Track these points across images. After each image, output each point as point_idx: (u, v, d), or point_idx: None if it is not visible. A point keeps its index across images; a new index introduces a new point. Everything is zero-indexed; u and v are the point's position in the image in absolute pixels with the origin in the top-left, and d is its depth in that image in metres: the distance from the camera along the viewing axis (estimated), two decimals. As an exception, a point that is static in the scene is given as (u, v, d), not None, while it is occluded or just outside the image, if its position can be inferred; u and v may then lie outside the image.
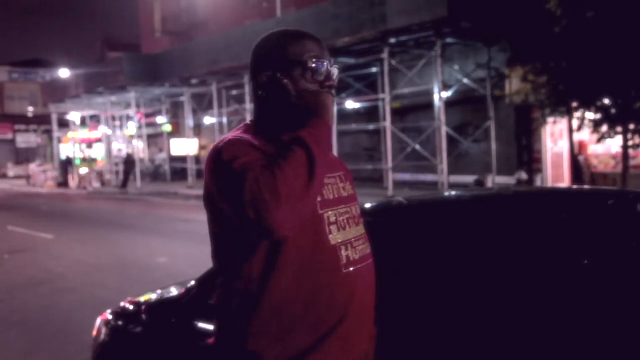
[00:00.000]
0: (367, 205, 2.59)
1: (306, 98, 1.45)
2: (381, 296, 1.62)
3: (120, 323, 2.93)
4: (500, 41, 15.02)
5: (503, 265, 1.96)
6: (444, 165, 15.82)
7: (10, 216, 16.44)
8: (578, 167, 14.69)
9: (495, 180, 15.55)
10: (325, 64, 1.48)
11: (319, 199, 1.43)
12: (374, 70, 19.31)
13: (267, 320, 1.40)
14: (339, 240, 1.46)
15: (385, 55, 16.02)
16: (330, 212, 1.47)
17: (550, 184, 15.16)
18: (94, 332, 3.13)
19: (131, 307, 2.93)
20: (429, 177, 17.94)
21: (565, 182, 15.15)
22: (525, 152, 16.34)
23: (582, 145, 14.99)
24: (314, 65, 1.46)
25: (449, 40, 16.00)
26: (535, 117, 14.00)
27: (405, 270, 2.10)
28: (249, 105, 21.14)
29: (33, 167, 33.68)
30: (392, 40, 16.00)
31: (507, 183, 15.27)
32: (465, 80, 16.82)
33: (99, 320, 3.13)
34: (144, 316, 2.78)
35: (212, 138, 26.29)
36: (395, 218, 2.44)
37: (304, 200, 1.30)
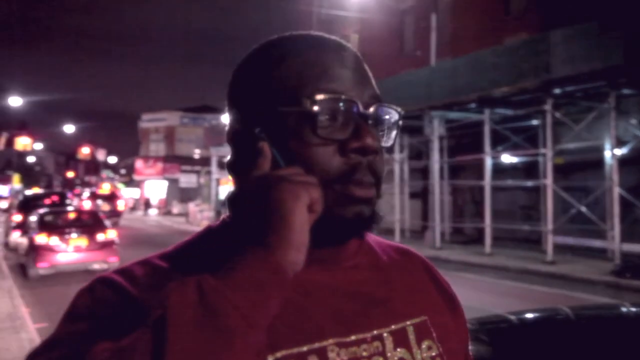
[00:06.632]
0: (528, 316, 2.33)
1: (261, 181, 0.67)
2: None
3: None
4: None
5: None
6: (616, 232, 13.88)
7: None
8: None
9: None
10: (344, 104, 0.73)
11: None
12: (535, 122, 17.85)
13: None
14: None
15: (548, 106, 14.66)
16: None
17: None
18: None
19: None
20: (596, 243, 15.93)
21: None
22: None
23: None
24: (315, 108, 0.71)
25: (625, 91, 14.25)
26: None
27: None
28: (397, 155, 20.55)
29: (191, 206, 35.92)
30: (557, 91, 14.61)
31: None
32: (644, 136, 14.85)
33: None
34: None
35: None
36: (559, 336, 2.10)
37: None
